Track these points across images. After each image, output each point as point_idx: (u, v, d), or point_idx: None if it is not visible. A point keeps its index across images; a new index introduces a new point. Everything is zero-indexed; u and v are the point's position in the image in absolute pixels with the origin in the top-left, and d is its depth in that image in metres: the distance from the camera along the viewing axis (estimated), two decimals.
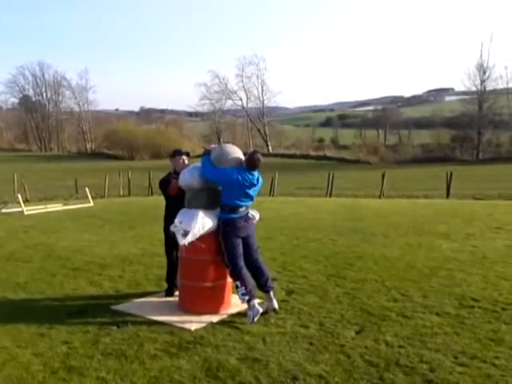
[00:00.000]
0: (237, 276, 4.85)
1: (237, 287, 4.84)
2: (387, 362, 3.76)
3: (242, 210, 4.88)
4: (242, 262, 4.89)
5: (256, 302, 4.80)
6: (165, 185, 5.58)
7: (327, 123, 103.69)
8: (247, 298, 4.75)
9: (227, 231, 4.86)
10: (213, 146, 5.08)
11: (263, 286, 4.99)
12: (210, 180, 4.88)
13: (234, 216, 4.85)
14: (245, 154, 5.03)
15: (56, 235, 9.97)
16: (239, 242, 4.90)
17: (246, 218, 4.93)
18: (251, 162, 4.88)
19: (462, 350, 3.94)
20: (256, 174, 4.95)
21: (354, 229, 10.00)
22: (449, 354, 3.89)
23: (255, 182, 4.91)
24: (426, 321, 4.64)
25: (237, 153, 4.99)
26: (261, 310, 4.73)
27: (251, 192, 4.91)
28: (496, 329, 4.39)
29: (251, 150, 5.12)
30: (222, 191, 4.91)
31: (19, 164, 43.99)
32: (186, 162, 5.60)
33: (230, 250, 4.86)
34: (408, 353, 3.92)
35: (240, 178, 4.77)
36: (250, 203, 4.98)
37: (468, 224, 10.48)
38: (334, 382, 3.45)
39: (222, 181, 4.85)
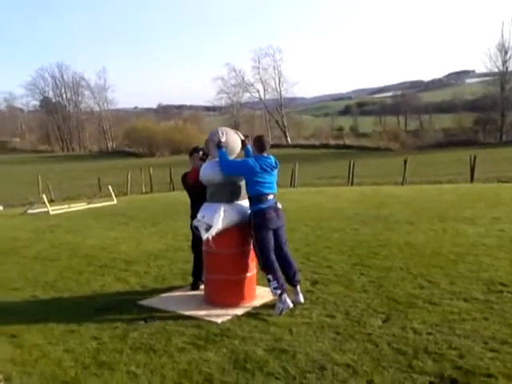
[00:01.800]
0: (269, 269, 4.80)
1: (269, 280, 4.79)
2: (415, 349, 3.73)
3: (270, 198, 4.83)
4: (273, 255, 4.84)
5: (287, 296, 4.75)
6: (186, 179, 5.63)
7: (346, 111, 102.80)
8: (279, 291, 4.71)
9: (258, 223, 4.79)
10: (221, 134, 4.96)
11: (291, 280, 4.94)
12: (231, 173, 4.88)
13: (263, 206, 4.78)
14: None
15: (81, 234, 10.14)
16: (270, 234, 4.83)
17: (276, 208, 4.88)
18: (261, 144, 4.88)
19: (492, 336, 3.88)
20: (272, 157, 4.92)
21: (377, 217, 9.91)
22: (478, 339, 3.83)
23: (274, 165, 4.88)
24: (454, 307, 4.58)
25: (232, 132, 5.11)
26: (291, 305, 4.70)
27: (273, 176, 4.88)
28: None
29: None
30: (246, 183, 4.88)
31: (42, 165, 44.84)
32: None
33: (262, 243, 4.80)
34: (436, 340, 3.88)
35: (258, 164, 4.75)
36: (275, 189, 4.92)
37: (494, 208, 10.29)
38: (363, 371, 3.44)
39: (243, 170, 4.81)
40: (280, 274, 4.82)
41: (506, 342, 3.76)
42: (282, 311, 4.64)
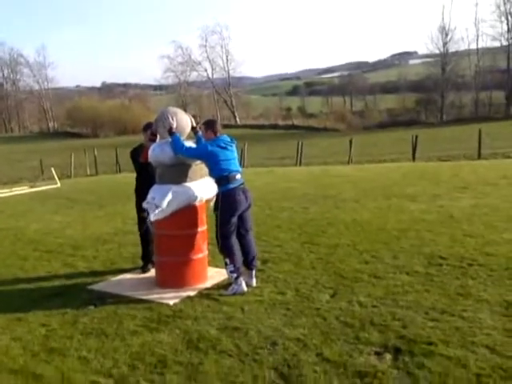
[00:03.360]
0: (227, 253, 4.76)
1: (226, 264, 4.78)
2: (362, 321, 3.89)
3: (237, 177, 4.77)
4: (234, 239, 4.79)
5: (243, 280, 4.76)
6: (137, 153, 5.54)
7: (294, 92, 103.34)
8: (235, 275, 4.71)
9: (226, 207, 4.70)
10: (171, 121, 4.87)
11: (248, 264, 4.93)
12: (188, 157, 4.81)
13: (231, 186, 4.70)
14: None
15: (25, 218, 9.78)
16: (236, 218, 4.77)
17: (244, 189, 4.81)
18: (214, 128, 4.86)
19: (432, 306, 4.11)
20: (225, 135, 4.89)
21: (325, 196, 10.14)
22: (420, 310, 4.05)
23: (230, 140, 4.86)
24: (397, 280, 4.79)
25: (182, 112, 5.08)
26: (245, 290, 4.69)
27: (233, 152, 4.84)
28: (463, 284, 4.59)
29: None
30: (209, 166, 4.82)
31: None
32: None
33: (225, 226, 4.72)
34: (381, 312, 4.06)
35: (215, 144, 4.72)
36: (238, 167, 4.87)
37: (435, 185, 10.74)
38: (312, 344, 3.56)
39: (203, 156, 4.76)
40: (238, 257, 4.79)
41: (445, 311, 4.00)
42: (234, 293, 4.67)
